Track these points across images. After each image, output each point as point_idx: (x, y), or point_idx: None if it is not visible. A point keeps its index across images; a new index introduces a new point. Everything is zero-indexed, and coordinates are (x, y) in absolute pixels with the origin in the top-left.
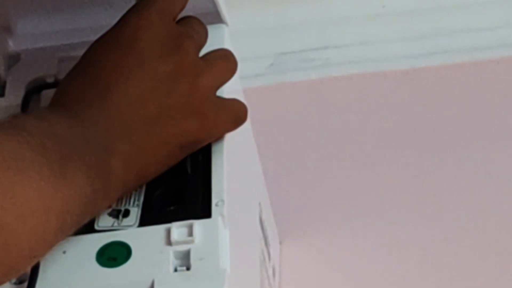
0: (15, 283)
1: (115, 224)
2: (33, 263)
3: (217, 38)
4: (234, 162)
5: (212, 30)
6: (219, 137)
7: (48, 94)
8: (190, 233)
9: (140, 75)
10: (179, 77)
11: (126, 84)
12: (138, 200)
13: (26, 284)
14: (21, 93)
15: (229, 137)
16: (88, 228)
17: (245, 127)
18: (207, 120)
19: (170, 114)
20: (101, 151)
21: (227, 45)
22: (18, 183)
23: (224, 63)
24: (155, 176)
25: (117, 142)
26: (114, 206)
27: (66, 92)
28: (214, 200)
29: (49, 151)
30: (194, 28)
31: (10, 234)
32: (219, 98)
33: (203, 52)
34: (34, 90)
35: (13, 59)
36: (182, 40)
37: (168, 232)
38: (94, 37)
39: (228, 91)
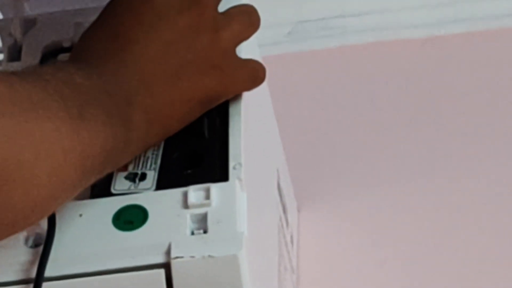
0: (31, 246)
1: (132, 187)
2: (54, 207)
3: (235, 2)
4: (252, 127)
5: None
6: (237, 95)
7: (64, 58)
8: (207, 196)
9: (159, 29)
10: (199, 31)
11: (146, 38)
12: (155, 163)
13: (41, 247)
14: (37, 57)
15: (247, 101)
16: (105, 191)
17: (263, 93)
18: (226, 75)
19: (190, 68)
20: (121, 102)
21: None
22: (35, 122)
23: (245, 18)
24: (175, 131)
25: (137, 95)
26: (130, 169)
27: (85, 47)
28: (231, 164)
29: (67, 97)
30: None
31: (29, 172)
32: (238, 57)
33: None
34: (50, 54)
35: (30, 23)
36: None
37: (185, 195)
38: None
39: (246, 57)
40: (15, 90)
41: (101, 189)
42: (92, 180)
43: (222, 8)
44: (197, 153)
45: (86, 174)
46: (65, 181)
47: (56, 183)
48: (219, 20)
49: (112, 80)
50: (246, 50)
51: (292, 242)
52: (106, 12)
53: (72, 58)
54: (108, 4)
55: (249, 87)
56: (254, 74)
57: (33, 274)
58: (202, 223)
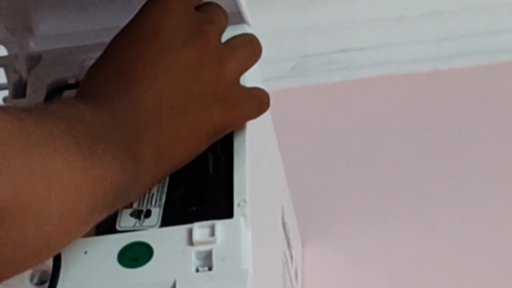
0: (36, 284)
1: (137, 224)
2: (66, 242)
3: (237, 30)
4: (257, 163)
5: (234, 30)
6: (241, 130)
7: (69, 95)
8: (212, 233)
9: (165, 64)
10: (204, 64)
11: (151, 73)
12: (160, 200)
13: (47, 284)
14: (42, 94)
15: (252, 137)
16: (110, 228)
17: (268, 128)
18: (232, 107)
19: (197, 102)
20: (130, 138)
21: None
22: (47, 158)
23: (248, 48)
24: (184, 164)
25: (146, 131)
26: (135, 206)
27: (92, 84)
28: (236, 200)
29: (78, 133)
30: (214, 13)
31: (42, 206)
32: (243, 86)
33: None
34: (55, 91)
35: (35, 60)
36: (204, 26)
37: (190, 232)
38: None
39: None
40: (27, 126)
41: (106, 226)
42: (103, 215)
43: (224, 37)
44: (202, 190)
45: (98, 209)
46: (77, 216)
47: (68, 218)
48: (223, 52)
49: (120, 117)
50: (250, 79)
51: (296, 277)
52: (111, 48)
53: (79, 94)
54: (113, 40)
55: (255, 115)
56: (259, 101)
57: None
58: (207, 260)
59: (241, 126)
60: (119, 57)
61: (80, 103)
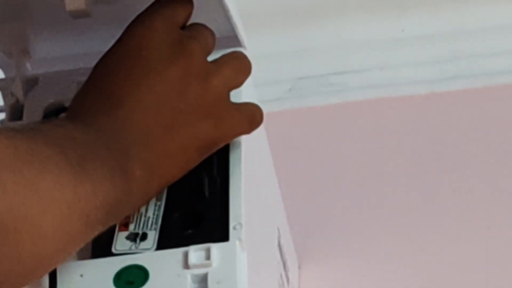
0: None
1: (133, 247)
2: (60, 259)
3: None
4: (253, 186)
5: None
6: (237, 152)
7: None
8: (208, 257)
9: (150, 82)
10: (189, 79)
11: (138, 92)
12: (156, 223)
13: None
14: (39, 117)
15: (248, 159)
16: (105, 251)
17: (264, 150)
18: (221, 121)
19: (184, 118)
20: (119, 155)
21: None
22: (38, 175)
23: (235, 63)
24: (176, 179)
25: (135, 148)
26: (131, 229)
27: (80, 106)
28: (232, 224)
29: (67, 151)
30: (199, 31)
31: (35, 223)
32: (233, 102)
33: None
34: (52, 114)
35: (31, 83)
36: (188, 43)
37: (186, 255)
38: None
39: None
40: (17, 144)
41: (102, 249)
42: (96, 232)
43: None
44: (198, 213)
45: (90, 225)
46: (70, 233)
47: (61, 235)
48: (209, 67)
49: (108, 135)
50: (244, 95)
51: None
52: (97, 69)
53: (67, 117)
54: (99, 61)
55: (247, 130)
56: (251, 115)
57: None
58: (202, 284)
59: (232, 140)
60: (105, 78)
61: (69, 123)
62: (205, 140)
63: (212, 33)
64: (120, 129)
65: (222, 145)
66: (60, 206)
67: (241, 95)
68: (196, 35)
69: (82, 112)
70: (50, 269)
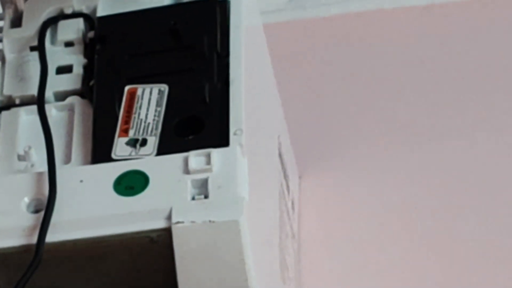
0: (32, 212)
1: (133, 153)
2: None
3: None
4: (253, 93)
5: None
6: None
7: (65, 25)
8: (208, 162)
9: None
10: None
11: None
12: (156, 129)
13: (43, 212)
14: (38, 24)
15: (248, 67)
16: (105, 157)
17: (265, 60)
18: None
19: None
20: None
21: None
22: None
23: None
24: None
25: None
26: (131, 135)
27: None
28: (232, 129)
29: None
30: None
31: None
32: None
33: None
34: (51, 21)
35: None
36: None
37: (186, 160)
38: None
39: (248, 25)
40: None
41: (102, 154)
42: None
43: None
44: (198, 119)
45: None
46: None
47: None
48: None
49: None
50: (247, 11)
51: (293, 208)
52: None
53: None
54: None
55: None
56: None
57: (35, 239)
58: (203, 189)
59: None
60: None
61: None
62: None
63: None
64: None
65: None
66: None
67: (243, 6)
68: None
69: None
70: None
